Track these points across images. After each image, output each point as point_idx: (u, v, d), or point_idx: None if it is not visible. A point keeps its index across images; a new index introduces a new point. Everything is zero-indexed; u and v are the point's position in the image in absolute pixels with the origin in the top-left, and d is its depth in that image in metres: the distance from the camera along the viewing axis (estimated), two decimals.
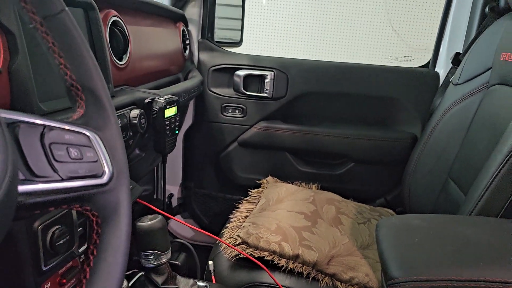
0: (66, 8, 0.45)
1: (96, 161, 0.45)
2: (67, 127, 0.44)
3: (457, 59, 1.48)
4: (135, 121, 0.92)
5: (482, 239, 0.74)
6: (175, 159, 1.77)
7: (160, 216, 0.90)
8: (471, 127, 1.24)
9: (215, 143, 1.71)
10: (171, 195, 1.81)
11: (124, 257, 0.45)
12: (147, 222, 0.88)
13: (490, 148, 0.96)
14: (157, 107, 0.99)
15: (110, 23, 0.95)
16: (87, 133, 0.46)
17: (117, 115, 0.87)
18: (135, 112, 0.92)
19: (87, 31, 0.86)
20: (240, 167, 1.72)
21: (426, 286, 0.64)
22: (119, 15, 0.99)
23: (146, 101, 1.00)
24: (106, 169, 0.46)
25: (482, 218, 0.87)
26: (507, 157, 0.87)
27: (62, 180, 0.40)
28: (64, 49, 0.45)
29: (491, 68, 1.21)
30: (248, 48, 2.11)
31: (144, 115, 0.95)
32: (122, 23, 1.00)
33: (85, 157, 0.44)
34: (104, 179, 0.46)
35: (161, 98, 1.01)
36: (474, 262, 0.66)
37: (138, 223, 0.88)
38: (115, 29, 0.97)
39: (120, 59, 1.00)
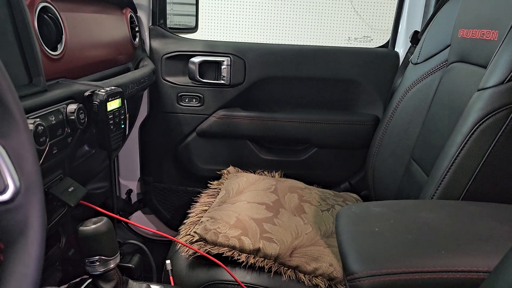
0: None
1: None
2: None
3: (415, 38, 1.45)
4: (73, 117, 0.84)
5: (443, 225, 0.70)
6: (131, 153, 1.69)
7: (105, 219, 0.83)
8: (431, 107, 1.22)
9: (173, 134, 1.63)
10: (130, 191, 1.73)
11: None
12: (91, 226, 0.81)
13: (451, 127, 0.93)
14: (98, 100, 0.91)
15: (38, 10, 0.86)
16: None
17: (52, 111, 0.79)
18: (72, 107, 0.84)
19: (10, 19, 0.77)
20: (200, 158, 1.65)
21: (386, 280, 0.60)
22: (49, 1, 0.90)
23: (86, 94, 0.92)
24: (10, 183, 0.39)
25: (444, 202, 0.84)
26: (467, 138, 0.85)
27: None
28: None
29: (449, 45, 1.19)
30: (204, 34, 2.03)
31: (83, 109, 0.87)
32: (54, 10, 0.91)
33: None
34: (7, 195, 0.39)
35: (102, 90, 0.93)
36: (435, 251, 0.63)
37: (81, 228, 0.81)
38: (46, 17, 0.88)
39: (54, 49, 0.91)
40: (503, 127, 0.81)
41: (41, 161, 0.74)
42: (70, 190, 0.85)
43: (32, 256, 0.39)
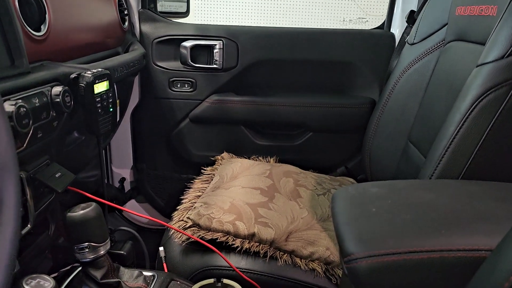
0: None
1: None
2: None
3: (412, 18, 1.42)
4: (58, 99, 0.80)
5: (442, 204, 0.68)
6: (124, 141, 1.66)
7: (94, 204, 0.81)
8: (428, 87, 1.19)
9: (165, 120, 1.60)
10: (123, 179, 1.71)
11: (7, 274, 0.36)
12: (79, 211, 0.78)
13: (449, 107, 0.90)
14: (84, 83, 0.87)
15: None
16: None
17: (35, 93, 0.76)
18: (57, 89, 0.81)
19: None
20: (194, 145, 1.62)
21: (385, 260, 0.58)
22: None
23: (72, 76, 0.88)
24: None
25: (442, 181, 0.82)
26: (466, 115, 0.82)
27: None
28: None
29: (446, 24, 1.16)
30: (197, 18, 1.99)
31: (69, 92, 0.84)
32: None
33: None
34: None
35: (89, 72, 0.89)
36: (435, 230, 0.61)
37: (69, 214, 0.78)
38: None
39: (37, 30, 0.87)
40: (503, 104, 0.79)
41: (24, 145, 0.72)
42: (57, 176, 0.82)
43: (6, 238, 0.36)
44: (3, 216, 0.37)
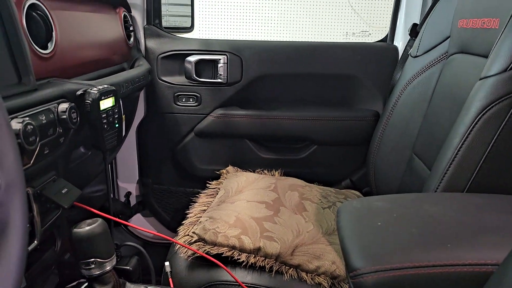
0: None
1: None
2: None
3: (414, 31, 1.43)
4: (64, 116, 0.81)
5: (448, 218, 0.68)
6: (129, 155, 1.67)
7: (100, 220, 0.81)
8: (432, 99, 1.19)
9: (171, 135, 1.61)
10: (128, 193, 1.71)
11: None
12: (85, 227, 0.79)
13: (453, 119, 0.91)
14: (90, 99, 0.88)
15: (26, 7, 0.83)
16: None
17: (42, 110, 0.77)
18: (63, 106, 0.82)
19: None
20: (199, 159, 1.63)
21: (391, 275, 0.58)
22: None
23: (78, 93, 0.90)
24: None
25: (448, 194, 0.82)
26: (470, 128, 0.82)
27: None
28: None
29: (449, 37, 1.17)
30: (201, 33, 2.01)
31: (75, 108, 0.85)
32: (43, 7, 0.89)
33: None
34: None
35: (95, 88, 0.90)
36: (441, 244, 0.60)
37: (75, 230, 0.79)
38: (35, 14, 0.86)
39: (44, 47, 0.89)
40: (507, 116, 0.79)
41: (31, 161, 0.72)
42: (63, 191, 0.82)
43: (13, 256, 0.37)
44: (11, 235, 0.37)
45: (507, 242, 0.61)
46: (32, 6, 0.86)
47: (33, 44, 0.84)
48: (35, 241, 0.76)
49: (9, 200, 0.38)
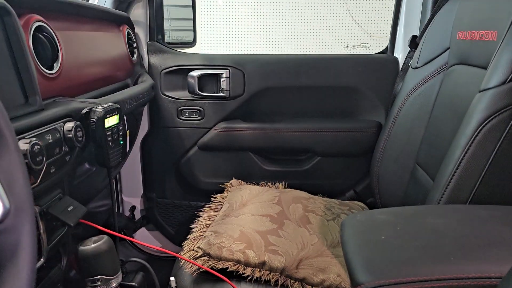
0: None
1: None
2: None
3: (414, 42, 1.44)
4: (70, 135, 0.82)
5: (451, 231, 0.69)
6: (134, 170, 1.68)
7: (105, 237, 0.82)
8: (434, 110, 1.20)
9: (174, 149, 1.62)
10: (133, 208, 1.72)
11: None
12: (91, 245, 0.80)
13: (454, 130, 0.91)
14: (95, 117, 0.90)
15: (33, 29, 0.85)
16: None
17: (48, 130, 0.79)
18: (69, 125, 0.83)
19: (5, 39, 0.77)
20: (203, 172, 1.64)
21: None
22: (44, 20, 0.90)
23: (83, 111, 0.91)
24: (0, 205, 0.38)
25: (451, 207, 0.82)
26: (471, 140, 0.83)
27: None
28: None
29: (448, 48, 1.18)
30: (203, 47, 2.04)
31: (80, 127, 0.86)
32: (50, 29, 0.91)
33: None
34: None
35: (100, 107, 0.92)
36: (444, 258, 0.61)
37: (81, 247, 0.80)
38: (41, 36, 0.88)
39: (50, 68, 0.90)
40: (507, 128, 0.80)
41: (38, 181, 0.73)
42: (69, 209, 0.83)
43: (23, 279, 0.38)
44: (21, 258, 0.38)
45: (510, 254, 0.61)
46: (39, 28, 0.87)
47: (40, 65, 0.85)
48: (42, 259, 0.77)
49: (19, 224, 0.39)
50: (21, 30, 0.78)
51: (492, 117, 0.81)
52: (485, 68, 0.91)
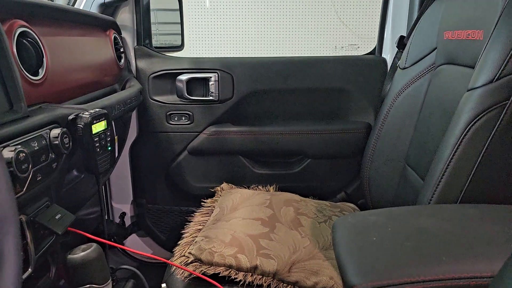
0: None
1: None
2: None
3: (402, 43, 1.45)
4: (57, 142, 0.81)
5: (442, 230, 0.68)
6: (123, 176, 1.66)
7: (94, 245, 0.81)
8: (422, 110, 1.21)
9: (164, 154, 1.61)
10: (123, 214, 1.70)
11: None
12: (80, 253, 0.78)
13: (443, 129, 0.92)
14: (82, 124, 0.88)
15: (17, 35, 0.84)
16: None
17: (34, 137, 0.77)
18: (55, 132, 0.82)
19: None
20: (193, 177, 1.63)
21: None
22: (28, 26, 0.88)
23: (70, 117, 0.90)
24: None
25: (441, 206, 0.82)
26: (460, 139, 0.83)
27: None
28: None
29: (436, 48, 1.18)
30: (191, 51, 2.02)
31: (67, 133, 0.85)
32: (34, 34, 0.90)
33: None
34: None
35: (86, 113, 0.90)
36: (436, 258, 0.61)
37: (69, 256, 0.78)
38: (25, 41, 0.86)
39: (35, 74, 0.89)
40: (496, 126, 0.80)
41: (24, 189, 0.72)
42: (57, 217, 0.82)
43: None
44: (4, 269, 0.37)
45: (501, 253, 0.61)
46: (23, 34, 0.86)
47: (24, 71, 0.84)
48: (29, 269, 0.75)
49: (1, 234, 0.38)
50: (5, 35, 0.77)
51: (480, 115, 0.81)
52: (472, 67, 0.91)
